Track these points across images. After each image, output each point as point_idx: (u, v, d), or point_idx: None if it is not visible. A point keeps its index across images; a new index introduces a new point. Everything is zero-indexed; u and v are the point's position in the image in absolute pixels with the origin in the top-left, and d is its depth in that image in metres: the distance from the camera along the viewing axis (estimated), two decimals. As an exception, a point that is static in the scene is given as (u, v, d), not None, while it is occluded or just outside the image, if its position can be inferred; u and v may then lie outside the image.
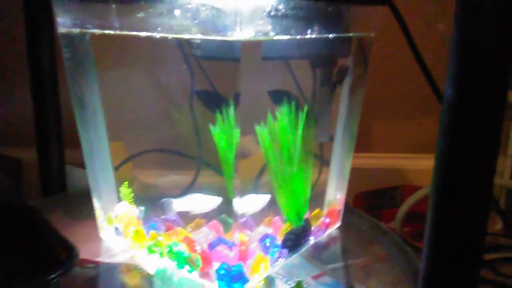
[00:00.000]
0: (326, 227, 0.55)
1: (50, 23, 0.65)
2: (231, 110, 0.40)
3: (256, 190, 0.45)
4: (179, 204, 0.48)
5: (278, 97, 0.44)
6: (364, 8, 0.50)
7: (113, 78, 0.50)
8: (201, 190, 0.47)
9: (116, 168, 0.53)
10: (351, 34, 0.49)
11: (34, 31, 0.65)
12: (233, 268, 0.43)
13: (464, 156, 0.29)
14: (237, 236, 0.43)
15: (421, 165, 0.96)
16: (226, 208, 0.44)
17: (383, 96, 0.96)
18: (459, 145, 0.29)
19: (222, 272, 0.43)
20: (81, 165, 0.54)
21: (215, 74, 0.43)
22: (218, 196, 0.45)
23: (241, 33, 0.37)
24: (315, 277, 0.47)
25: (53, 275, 0.43)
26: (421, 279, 0.34)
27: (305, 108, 0.46)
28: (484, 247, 0.31)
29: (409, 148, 0.98)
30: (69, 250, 0.48)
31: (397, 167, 0.97)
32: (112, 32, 0.44)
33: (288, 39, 0.42)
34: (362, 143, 0.98)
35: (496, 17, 0.27)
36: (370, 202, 0.91)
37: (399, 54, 0.91)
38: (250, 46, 0.39)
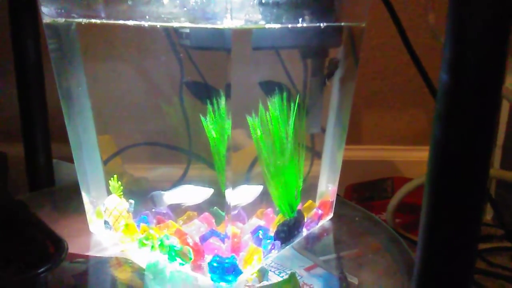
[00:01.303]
0: (319, 219, 0.55)
1: (35, 13, 0.64)
2: (222, 101, 0.39)
3: (248, 182, 0.45)
4: (170, 196, 0.47)
5: (269, 88, 0.44)
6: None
7: (100, 69, 0.49)
8: (192, 183, 0.46)
9: (105, 162, 0.52)
10: (342, 24, 0.49)
11: (18, 21, 0.64)
12: (226, 260, 0.42)
13: (459, 143, 0.29)
14: (230, 228, 0.42)
15: (412, 157, 0.96)
16: (218, 201, 0.44)
17: (373, 88, 0.96)
18: (454, 131, 0.29)
19: (215, 264, 0.42)
20: (69, 159, 0.53)
21: (205, 64, 0.42)
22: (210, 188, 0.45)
23: (232, 21, 0.37)
24: (308, 269, 0.47)
25: (42, 269, 0.43)
26: (416, 270, 0.34)
27: (297, 99, 0.46)
28: (479, 236, 0.31)
29: (399, 140, 0.98)
30: (58, 244, 0.47)
31: (387, 159, 0.98)
32: (98, 21, 0.43)
33: (279, 28, 0.41)
34: (353, 135, 0.98)
35: (490, 1, 0.27)
36: (361, 194, 0.91)
37: (389, 45, 0.91)
38: (241, 34, 0.38)
